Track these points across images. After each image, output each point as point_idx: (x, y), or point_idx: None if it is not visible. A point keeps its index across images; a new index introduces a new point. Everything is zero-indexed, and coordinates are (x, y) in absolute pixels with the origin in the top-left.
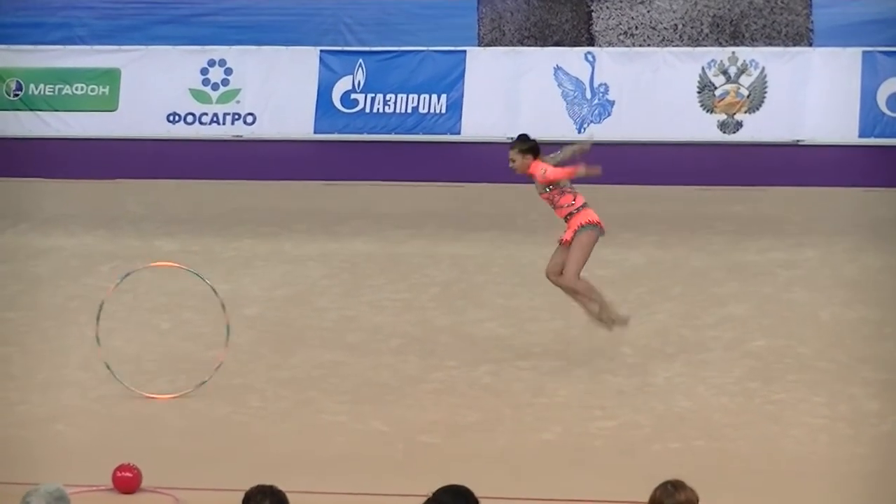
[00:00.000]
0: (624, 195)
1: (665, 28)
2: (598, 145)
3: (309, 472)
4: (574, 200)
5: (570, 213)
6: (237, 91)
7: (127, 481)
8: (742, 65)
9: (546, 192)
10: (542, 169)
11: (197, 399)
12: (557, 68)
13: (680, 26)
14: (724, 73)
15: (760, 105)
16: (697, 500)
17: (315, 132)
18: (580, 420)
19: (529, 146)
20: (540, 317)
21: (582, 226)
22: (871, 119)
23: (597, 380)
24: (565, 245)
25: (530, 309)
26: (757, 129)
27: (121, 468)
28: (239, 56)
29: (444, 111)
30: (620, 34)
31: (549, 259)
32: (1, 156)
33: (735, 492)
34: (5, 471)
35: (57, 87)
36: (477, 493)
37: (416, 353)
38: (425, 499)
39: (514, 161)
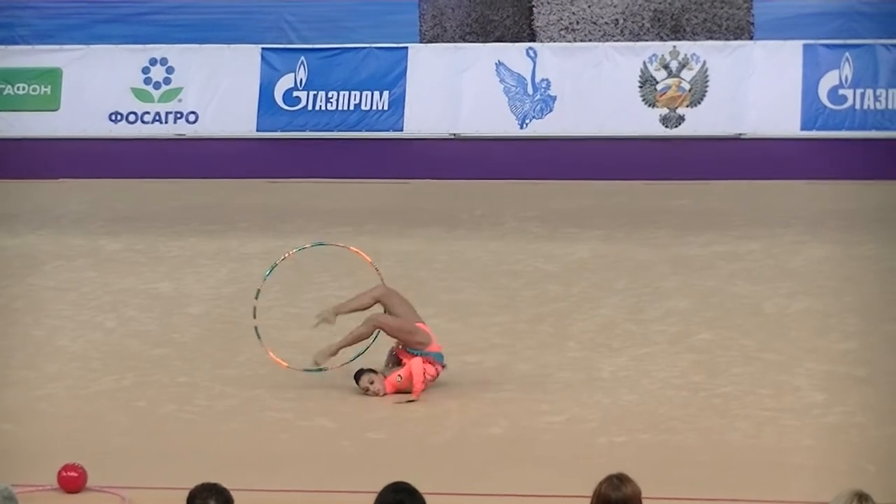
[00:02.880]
0: (567, 190)
1: (606, 23)
2: (540, 140)
3: (255, 469)
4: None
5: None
6: (179, 90)
7: (72, 480)
8: (683, 59)
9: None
10: (394, 380)
11: (142, 397)
12: (499, 64)
13: (621, 21)
14: (666, 67)
15: (702, 99)
16: (641, 494)
17: (258, 130)
18: (526, 414)
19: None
20: (485, 311)
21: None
22: (812, 112)
23: (543, 374)
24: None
25: (475, 304)
26: (699, 123)
27: (66, 468)
28: (181, 54)
29: (386, 108)
30: (562, 29)
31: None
32: None
33: (681, 485)
34: None
35: None
36: (423, 490)
37: (358, 349)
38: (373, 497)
39: (372, 383)
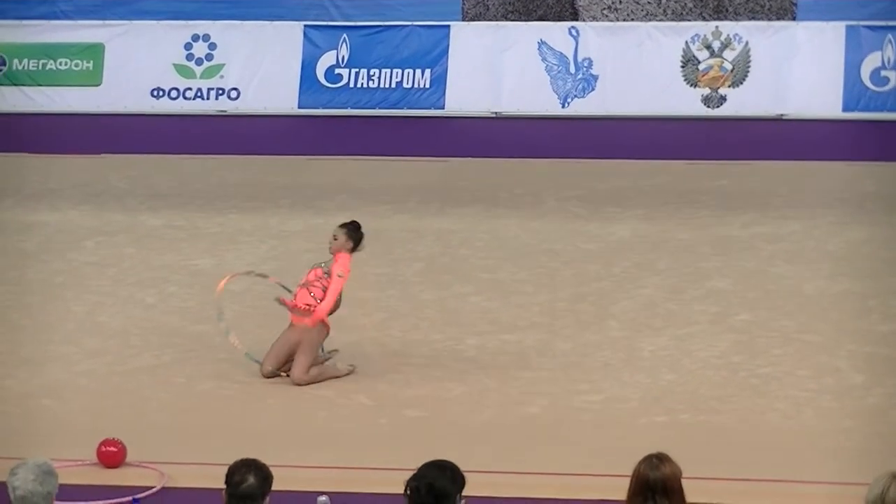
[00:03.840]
0: (608, 170)
1: (649, 2)
2: (582, 119)
3: (293, 446)
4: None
5: (311, 307)
6: (221, 66)
7: (111, 455)
8: (726, 39)
9: (321, 270)
10: (344, 267)
11: (181, 374)
12: (541, 43)
13: (664, 1)
14: (708, 47)
15: (744, 79)
16: (681, 474)
17: (299, 107)
18: (566, 394)
19: (357, 236)
20: (524, 290)
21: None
22: (854, 93)
23: (583, 353)
24: (293, 329)
25: (515, 282)
26: (741, 103)
27: (105, 443)
28: (223, 31)
29: (428, 86)
30: (604, 8)
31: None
32: None
33: (721, 465)
34: None
35: (41, 62)
36: (462, 468)
37: (400, 327)
38: (411, 473)
39: (336, 238)
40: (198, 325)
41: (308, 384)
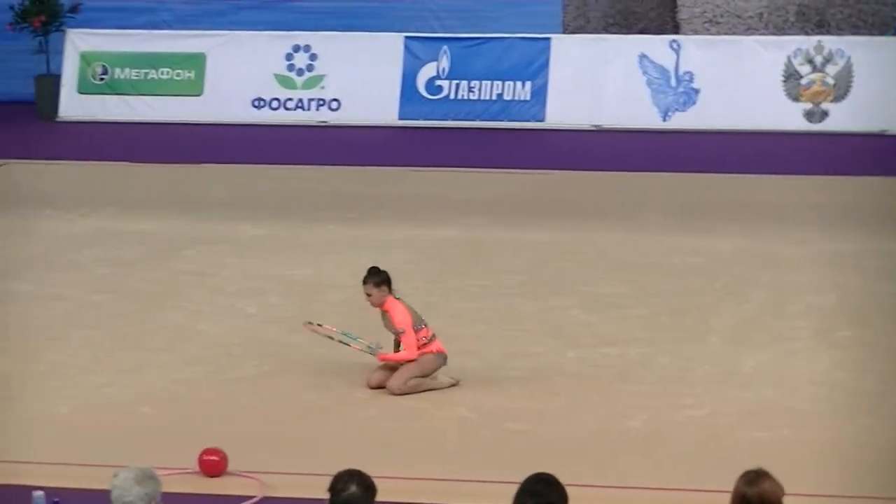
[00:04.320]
0: (709, 183)
1: (750, 16)
2: (682, 133)
3: (394, 457)
4: (426, 335)
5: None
6: (322, 77)
7: (212, 465)
8: (828, 54)
9: (395, 335)
10: (402, 315)
11: (282, 384)
12: (642, 56)
13: (765, 14)
14: (810, 61)
15: (846, 94)
16: (782, 491)
17: (399, 118)
18: (666, 408)
19: (383, 279)
20: (625, 303)
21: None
22: None
23: (684, 367)
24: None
25: (616, 296)
26: (843, 118)
27: (207, 452)
28: (324, 42)
29: (528, 98)
30: (706, 22)
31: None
32: (87, 139)
33: (824, 482)
34: (91, 453)
35: (143, 71)
36: (563, 481)
37: (500, 339)
38: (512, 486)
39: (370, 295)
40: (297, 336)
41: (404, 395)
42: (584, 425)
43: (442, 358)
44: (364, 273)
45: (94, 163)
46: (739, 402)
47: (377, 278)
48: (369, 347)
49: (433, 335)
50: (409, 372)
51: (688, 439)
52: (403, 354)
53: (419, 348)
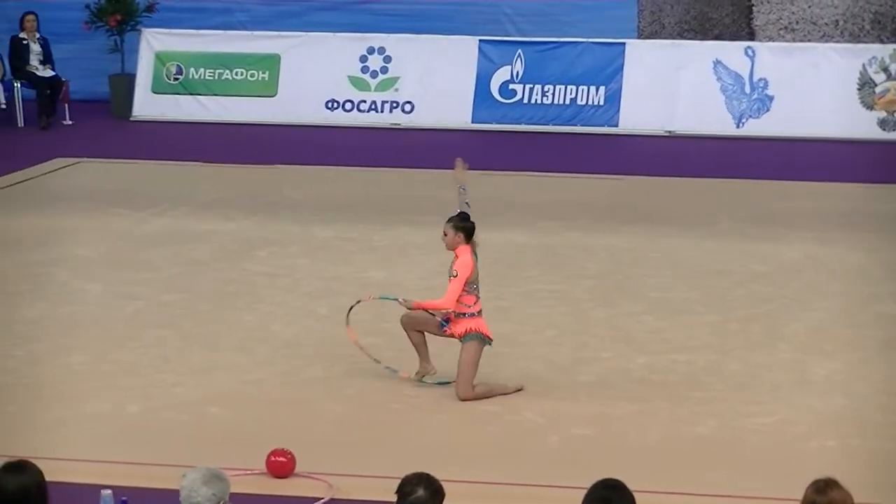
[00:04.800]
0: (781, 191)
1: (826, 24)
2: (756, 140)
3: (463, 461)
4: (473, 305)
5: (463, 314)
6: (396, 79)
7: (281, 466)
8: None
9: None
10: (460, 266)
11: (352, 386)
12: (717, 62)
13: (841, 22)
14: (885, 70)
15: None
16: (851, 500)
17: (473, 122)
18: (735, 415)
19: (465, 226)
20: (696, 309)
21: (469, 332)
22: None
23: (753, 375)
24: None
25: (686, 302)
26: None
27: (275, 453)
28: (398, 44)
29: (601, 103)
30: (781, 29)
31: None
32: (160, 139)
33: (892, 493)
34: (161, 452)
35: (217, 71)
36: (631, 487)
37: (570, 344)
38: (580, 491)
39: (445, 235)
40: (369, 338)
41: (474, 400)
42: (651, 431)
43: (485, 342)
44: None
45: (167, 162)
46: (809, 411)
47: (458, 221)
48: (404, 301)
49: (479, 311)
50: (466, 374)
51: (756, 447)
52: (439, 302)
53: (452, 317)
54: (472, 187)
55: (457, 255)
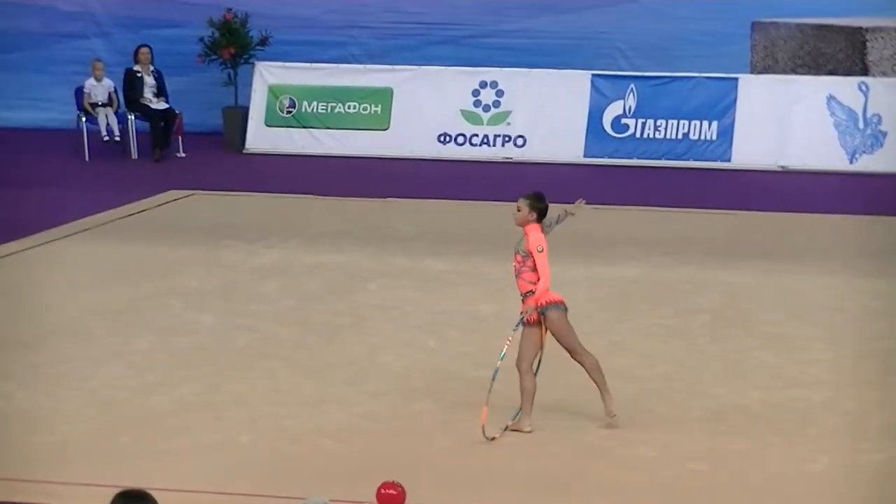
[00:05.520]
0: (895, 227)
1: None
2: (870, 175)
3: (574, 495)
4: (535, 281)
5: (529, 292)
6: (508, 113)
7: (391, 498)
8: None
9: (520, 255)
10: (537, 241)
11: (464, 419)
12: (830, 97)
13: None
14: None
15: None
16: None
17: (585, 156)
18: (849, 452)
19: (540, 206)
20: (810, 346)
21: (549, 303)
22: None
23: (866, 412)
24: (533, 325)
25: (801, 338)
26: None
27: (385, 485)
28: (511, 78)
29: (714, 138)
30: (895, 64)
31: (519, 349)
32: (273, 172)
33: None
34: (274, 484)
35: (329, 104)
36: None
37: (683, 379)
38: None
39: (519, 210)
40: (479, 371)
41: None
42: (764, 467)
43: (563, 308)
44: None
45: (279, 195)
46: None
47: (535, 200)
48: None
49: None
50: (572, 338)
51: (870, 484)
52: (543, 282)
53: (525, 291)
54: (584, 221)
55: (526, 233)
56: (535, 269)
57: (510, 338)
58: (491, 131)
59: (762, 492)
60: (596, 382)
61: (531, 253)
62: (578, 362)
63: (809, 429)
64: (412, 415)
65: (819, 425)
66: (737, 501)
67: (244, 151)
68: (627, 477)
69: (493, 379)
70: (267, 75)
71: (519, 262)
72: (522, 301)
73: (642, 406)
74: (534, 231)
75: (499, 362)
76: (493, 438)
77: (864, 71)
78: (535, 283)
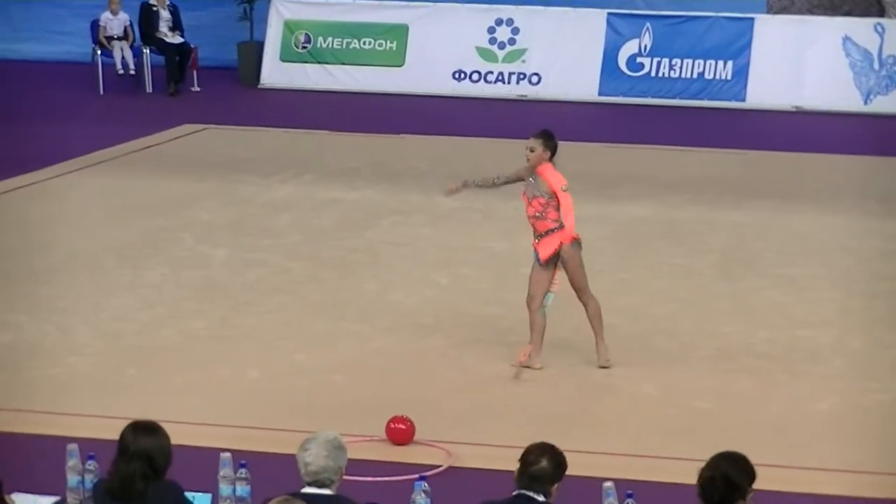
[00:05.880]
0: None
1: None
2: (885, 117)
3: (580, 431)
4: (558, 219)
5: (552, 230)
6: (523, 51)
7: (400, 433)
8: None
9: (543, 198)
10: (560, 181)
11: (472, 354)
12: (846, 38)
13: None
14: None
15: None
16: None
17: (599, 94)
18: (856, 391)
19: (554, 143)
20: (819, 286)
21: (568, 242)
22: None
23: (874, 352)
24: (545, 263)
25: (809, 278)
26: None
27: (394, 420)
28: (526, 16)
29: (729, 78)
30: None
31: (529, 282)
32: (288, 107)
33: None
34: (283, 418)
35: (345, 40)
36: (750, 461)
37: (691, 318)
38: (699, 464)
39: (532, 150)
40: (490, 308)
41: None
42: (770, 406)
43: (579, 245)
44: None
45: (293, 130)
46: None
47: (547, 138)
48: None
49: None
50: (582, 276)
51: (875, 423)
52: (569, 219)
53: (546, 230)
54: (597, 160)
55: (541, 173)
56: (558, 208)
57: (556, 280)
58: (506, 69)
59: (767, 430)
60: (594, 328)
61: (555, 193)
62: (583, 303)
63: (816, 368)
64: (423, 351)
65: (826, 365)
66: (742, 440)
67: (259, 86)
68: (634, 415)
69: (545, 315)
70: (283, 10)
71: (542, 205)
72: (540, 239)
73: (649, 344)
74: (549, 170)
75: (547, 304)
76: (516, 375)
77: (881, 12)
78: (556, 222)
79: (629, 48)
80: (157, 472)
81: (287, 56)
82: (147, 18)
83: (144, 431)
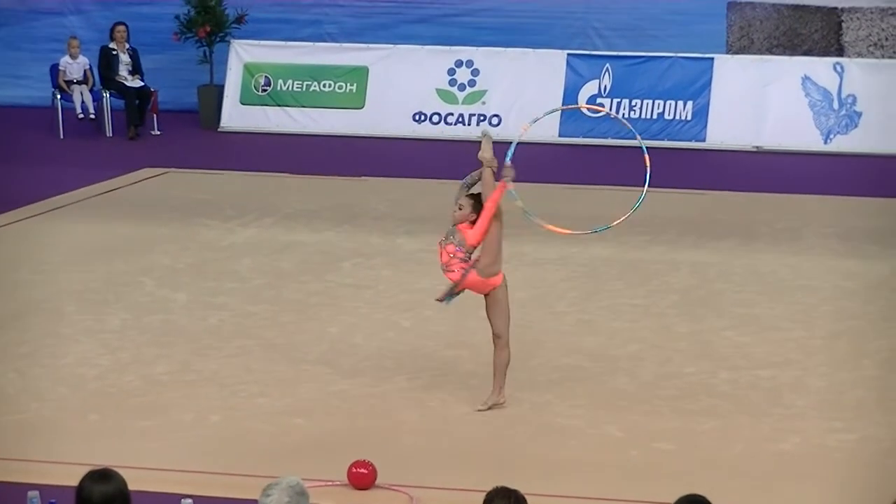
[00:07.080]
0: (869, 208)
1: None
2: (844, 156)
3: (543, 474)
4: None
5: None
6: (483, 92)
7: (362, 477)
8: None
9: (454, 245)
10: (474, 234)
11: (434, 398)
12: (805, 78)
13: None
14: None
15: None
16: None
17: (560, 135)
18: (818, 432)
19: (480, 206)
20: (780, 325)
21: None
22: None
23: (837, 391)
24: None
25: (771, 317)
26: None
27: (356, 464)
28: (486, 57)
29: (689, 118)
30: (870, 45)
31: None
32: (248, 150)
33: None
34: (245, 463)
35: (305, 83)
36: (713, 502)
37: (652, 359)
38: None
39: (461, 208)
40: (452, 350)
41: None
42: (734, 447)
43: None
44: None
45: (254, 173)
46: (892, 428)
47: (478, 201)
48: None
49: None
50: (501, 318)
51: (839, 463)
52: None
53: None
54: (558, 201)
55: (462, 230)
56: (465, 260)
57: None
58: (466, 110)
59: (731, 470)
60: (495, 372)
61: (472, 248)
62: (495, 345)
63: (779, 409)
64: (385, 394)
65: (789, 405)
66: (705, 481)
67: (219, 129)
68: (597, 457)
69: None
70: (242, 53)
71: (450, 255)
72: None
73: (611, 385)
74: (467, 228)
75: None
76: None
77: (840, 52)
78: (463, 269)
79: (589, 89)
80: None
81: (247, 99)
82: (107, 62)
83: (99, 480)
